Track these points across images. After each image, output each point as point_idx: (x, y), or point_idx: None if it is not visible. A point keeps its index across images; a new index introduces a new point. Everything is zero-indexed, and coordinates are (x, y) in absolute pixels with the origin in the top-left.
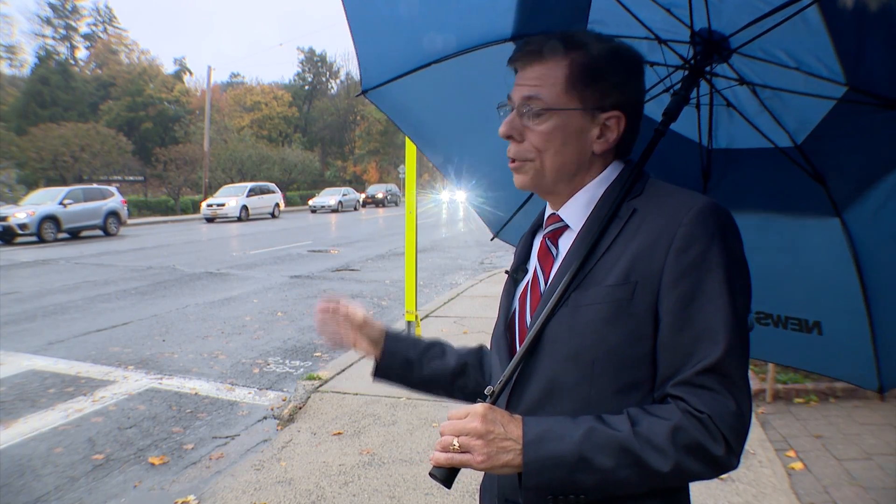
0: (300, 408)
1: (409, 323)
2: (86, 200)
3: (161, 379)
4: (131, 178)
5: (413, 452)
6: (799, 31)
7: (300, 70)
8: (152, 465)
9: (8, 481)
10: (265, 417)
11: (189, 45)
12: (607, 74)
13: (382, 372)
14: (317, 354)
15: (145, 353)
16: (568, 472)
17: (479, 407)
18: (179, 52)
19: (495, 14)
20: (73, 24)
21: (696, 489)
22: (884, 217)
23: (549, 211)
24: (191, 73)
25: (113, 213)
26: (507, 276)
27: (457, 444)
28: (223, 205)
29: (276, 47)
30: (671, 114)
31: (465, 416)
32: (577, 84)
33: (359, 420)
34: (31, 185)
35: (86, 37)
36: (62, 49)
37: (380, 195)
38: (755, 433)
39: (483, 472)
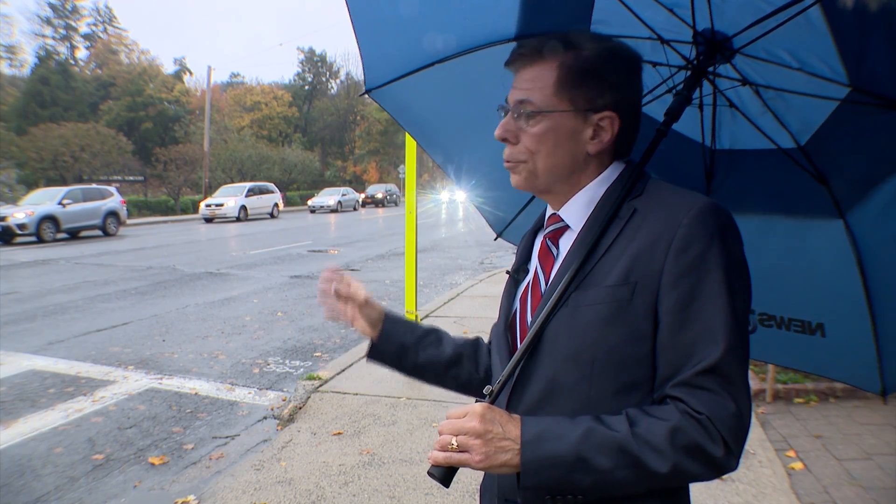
0: (300, 408)
1: None
2: (85, 200)
3: (161, 379)
4: (131, 178)
5: (413, 452)
6: (802, 31)
7: (300, 70)
8: (152, 465)
9: (8, 481)
10: (265, 417)
11: (189, 45)
12: (598, 75)
13: (377, 354)
14: (317, 354)
15: (145, 353)
16: (566, 472)
17: (478, 406)
18: (179, 52)
19: (498, 14)
20: (73, 24)
21: (696, 489)
22: (887, 219)
23: (549, 211)
24: (191, 73)
25: (112, 213)
26: (507, 276)
27: (455, 444)
28: (222, 205)
29: (276, 47)
30: (673, 114)
31: (463, 415)
32: (566, 86)
33: (359, 420)
34: (31, 185)
35: (86, 37)
36: (62, 49)
37: (379, 195)
38: (755, 433)
39: (483, 472)
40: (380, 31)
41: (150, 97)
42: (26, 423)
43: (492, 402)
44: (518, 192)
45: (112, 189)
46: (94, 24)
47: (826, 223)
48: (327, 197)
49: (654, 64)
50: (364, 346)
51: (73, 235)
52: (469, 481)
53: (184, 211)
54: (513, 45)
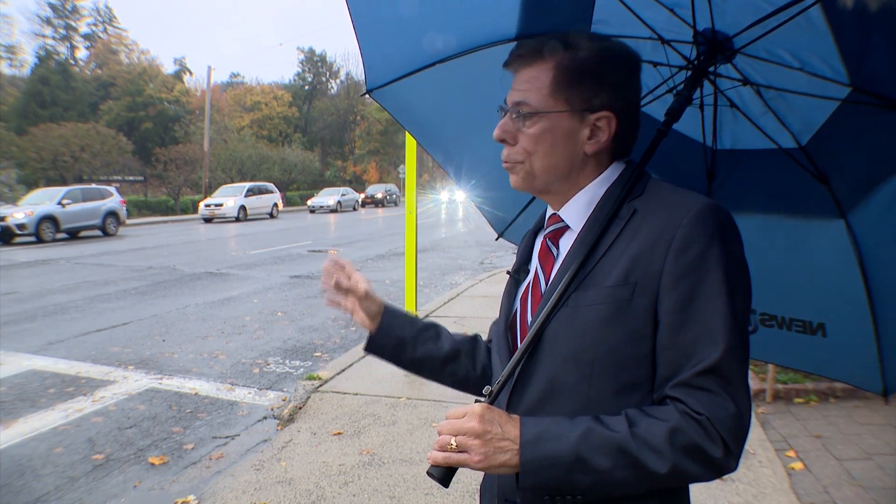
0: (300, 408)
1: None
2: (84, 200)
3: (161, 379)
4: (131, 178)
5: (413, 452)
6: (802, 31)
7: (300, 70)
8: (152, 465)
9: (8, 481)
10: (265, 417)
11: (189, 45)
12: (594, 75)
13: (375, 347)
14: (317, 354)
15: (145, 353)
16: (565, 472)
17: (477, 407)
18: (179, 52)
19: (499, 14)
20: (73, 24)
21: (696, 489)
22: (888, 219)
23: (550, 211)
24: (191, 73)
25: (111, 213)
26: (508, 276)
27: (454, 444)
28: (221, 205)
29: (276, 47)
30: (673, 114)
31: (462, 415)
32: (561, 86)
33: (359, 420)
34: (31, 185)
35: (86, 37)
36: (62, 49)
37: (379, 195)
38: (755, 433)
39: (483, 472)
40: (380, 31)
41: (150, 97)
42: (26, 423)
43: (491, 403)
44: (519, 193)
45: (111, 189)
46: (94, 24)
47: (827, 223)
48: (327, 197)
49: (655, 64)
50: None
51: (73, 235)
52: (469, 481)
53: (184, 211)
54: (513, 45)
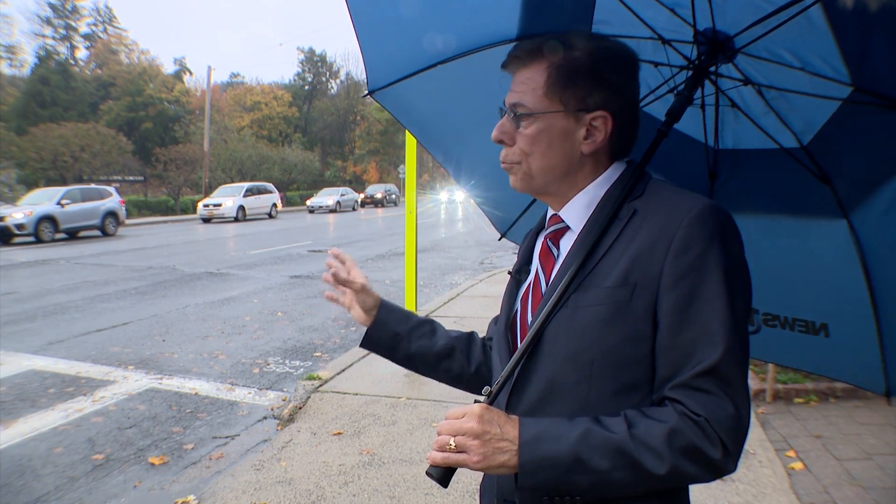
0: (300, 408)
1: None
2: (83, 200)
3: (161, 379)
4: (131, 178)
5: (413, 452)
6: (803, 31)
7: (300, 70)
8: (152, 465)
9: (8, 481)
10: (265, 417)
11: (189, 45)
12: (588, 75)
13: (370, 342)
14: (317, 354)
15: (145, 353)
16: (563, 472)
17: (477, 407)
18: (179, 52)
19: (500, 15)
20: (73, 24)
21: (696, 489)
22: (891, 219)
23: (550, 212)
24: (191, 73)
25: (111, 214)
26: (509, 276)
27: (453, 444)
28: (220, 205)
29: (276, 47)
30: (674, 114)
31: (462, 415)
32: (556, 86)
33: (359, 420)
34: (31, 185)
35: (86, 37)
36: (62, 49)
37: (379, 195)
38: (755, 433)
39: (482, 472)
40: (381, 32)
41: (150, 97)
42: (26, 423)
43: (491, 403)
44: (520, 193)
45: (111, 189)
46: (94, 24)
47: (830, 223)
48: (326, 197)
49: (656, 64)
50: None
51: (72, 235)
52: (469, 481)
53: (184, 211)
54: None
